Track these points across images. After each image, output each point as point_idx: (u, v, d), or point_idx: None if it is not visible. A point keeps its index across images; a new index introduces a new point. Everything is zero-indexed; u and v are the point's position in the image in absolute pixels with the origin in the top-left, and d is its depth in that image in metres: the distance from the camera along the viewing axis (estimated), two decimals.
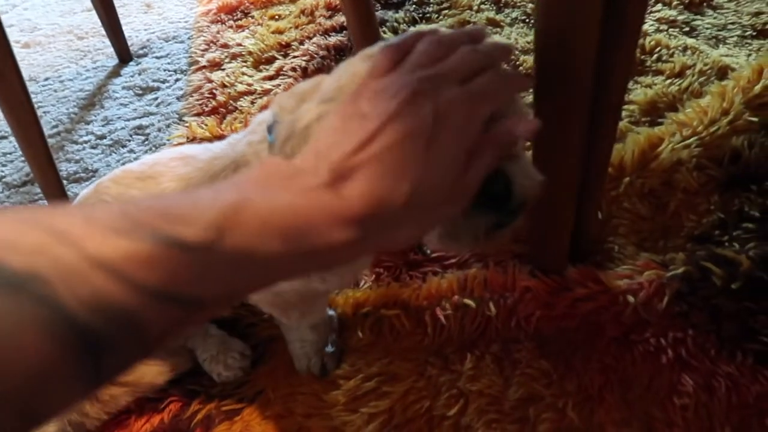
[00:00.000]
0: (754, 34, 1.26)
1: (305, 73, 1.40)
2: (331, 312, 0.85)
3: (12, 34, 1.85)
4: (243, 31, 1.66)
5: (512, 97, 0.49)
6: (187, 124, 1.32)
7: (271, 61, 1.50)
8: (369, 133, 0.38)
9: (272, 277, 0.37)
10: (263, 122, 0.61)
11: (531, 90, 0.69)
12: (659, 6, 1.37)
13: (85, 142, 1.38)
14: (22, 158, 1.33)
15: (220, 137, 1.23)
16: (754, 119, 0.98)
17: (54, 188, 1.16)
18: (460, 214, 0.46)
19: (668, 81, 1.15)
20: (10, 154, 1.39)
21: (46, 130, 1.27)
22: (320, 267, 0.40)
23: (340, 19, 1.58)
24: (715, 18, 1.32)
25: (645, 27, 1.28)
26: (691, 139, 0.97)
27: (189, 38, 1.70)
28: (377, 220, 0.37)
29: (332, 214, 0.36)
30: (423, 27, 1.46)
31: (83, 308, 0.28)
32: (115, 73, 1.62)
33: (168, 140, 1.31)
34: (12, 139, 1.42)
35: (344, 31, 1.53)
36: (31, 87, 1.52)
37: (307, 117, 0.48)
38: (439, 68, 0.42)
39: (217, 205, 0.34)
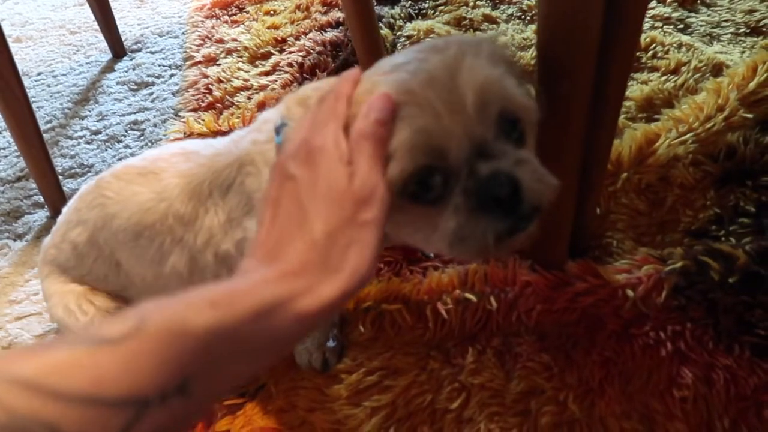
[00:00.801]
0: (748, 31, 1.27)
1: (302, 69, 1.40)
2: None
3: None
4: (238, 26, 1.65)
5: None
6: (183, 120, 1.31)
7: (267, 56, 1.50)
8: (269, 217, 0.44)
9: (224, 356, 0.35)
10: (269, 121, 0.61)
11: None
12: (654, 3, 1.38)
13: (80, 137, 1.37)
14: (16, 153, 1.32)
15: (218, 132, 1.23)
16: (749, 116, 0.99)
17: (50, 184, 1.15)
18: (464, 220, 0.46)
19: (664, 77, 1.16)
20: (3, 149, 1.38)
21: (40, 126, 1.26)
22: (293, 325, 0.38)
23: (336, 14, 1.58)
24: (709, 15, 1.33)
25: None
26: (687, 135, 0.98)
27: (183, 33, 1.70)
28: (315, 261, 0.40)
29: (267, 278, 0.39)
30: (419, 23, 1.46)
31: None
32: (108, 68, 1.61)
33: (164, 135, 1.31)
34: (5, 134, 1.40)
35: (340, 27, 1.52)
36: (24, 82, 1.50)
37: None
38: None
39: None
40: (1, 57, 1.03)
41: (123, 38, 1.66)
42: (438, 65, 0.46)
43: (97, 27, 1.64)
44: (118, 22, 1.64)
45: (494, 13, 1.45)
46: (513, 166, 0.46)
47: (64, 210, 0.82)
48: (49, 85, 1.57)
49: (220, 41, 1.60)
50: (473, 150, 0.46)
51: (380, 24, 1.48)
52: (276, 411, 0.79)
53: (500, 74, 0.48)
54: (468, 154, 0.46)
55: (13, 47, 1.76)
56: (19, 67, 1.08)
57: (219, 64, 1.51)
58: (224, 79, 1.43)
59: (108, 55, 1.66)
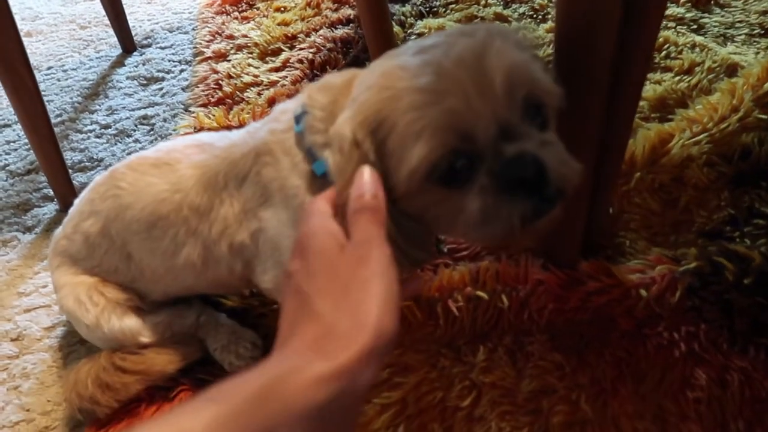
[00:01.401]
0: (762, 32, 1.26)
1: (312, 65, 1.40)
2: None
3: None
4: (248, 22, 1.65)
5: None
6: (194, 114, 1.31)
7: (277, 52, 1.50)
8: (281, 323, 0.42)
9: None
10: (287, 111, 0.61)
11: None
12: (667, 3, 1.38)
13: (90, 131, 1.37)
14: (26, 146, 1.32)
15: (228, 128, 1.22)
16: (764, 117, 0.98)
17: (60, 177, 1.15)
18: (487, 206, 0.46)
19: (677, 78, 1.15)
20: (14, 142, 1.38)
21: (51, 119, 1.26)
22: (311, 391, 0.35)
23: (347, 11, 1.58)
24: (722, 16, 1.32)
25: None
26: (701, 136, 0.98)
27: (193, 29, 1.70)
28: (326, 332, 0.38)
29: (273, 359, 0.37)
30: (430, 21, 1.46)
31: None
32: (119, 63, 1.61)
33: (174, 130, 1.31)
34: (15, 127, 1.41)
35: (351, 24, 1.52)
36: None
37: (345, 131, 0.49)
38: None
39: None
40: (13, 50, 1.03)
41: (133, 33, 1.67)
42: (467, 48, 0.46)
43: (108, 22, 1.64)
44: (128, 18, 1.64)
45: (506, 12, 1.45)
46: (538, 148, 0.46)
47: (77, 201, 0.81)
48: (59, 80, 1.58)
49: (230, 37, 1.60)
50: (499, 132, 0.45)
51: (392, 21, 1.48)
52: None
53: (527, 59, 0.48)
54: (494, 136, 0.45)
55: (24, 41, 1.77)
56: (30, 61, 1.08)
57: (229, 60, 1.50)
58: (234, 75, 1.43)
59: (118, 50, 1.66)
